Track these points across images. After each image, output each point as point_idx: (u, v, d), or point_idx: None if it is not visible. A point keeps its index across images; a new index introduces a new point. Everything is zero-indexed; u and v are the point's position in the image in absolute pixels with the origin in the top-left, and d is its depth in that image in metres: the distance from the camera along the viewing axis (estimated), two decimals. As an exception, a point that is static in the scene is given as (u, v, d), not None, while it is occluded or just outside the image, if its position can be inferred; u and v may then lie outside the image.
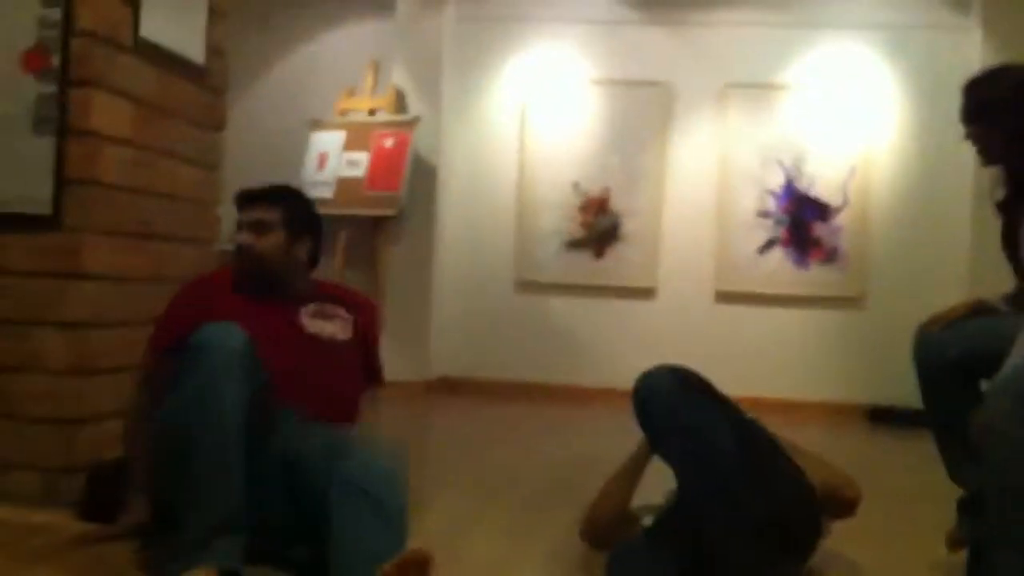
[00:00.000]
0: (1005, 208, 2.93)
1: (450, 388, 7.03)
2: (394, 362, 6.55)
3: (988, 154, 2.92)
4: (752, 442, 2.53)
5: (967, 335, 2.88)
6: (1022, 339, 2.54)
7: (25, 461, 3.19)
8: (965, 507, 2.92)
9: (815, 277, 6.86)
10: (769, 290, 6.89)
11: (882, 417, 6.55)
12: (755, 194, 6.94)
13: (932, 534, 3.11)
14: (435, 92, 7.00)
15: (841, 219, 6.86)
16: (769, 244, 6.92)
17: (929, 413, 2.96)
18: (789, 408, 6.63)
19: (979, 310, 2.97)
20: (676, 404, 2.54)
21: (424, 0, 7.01)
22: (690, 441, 2.49)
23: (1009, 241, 2.92)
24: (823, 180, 6.86)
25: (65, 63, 3.20)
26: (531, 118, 7.18)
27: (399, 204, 6.51)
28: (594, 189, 7.07)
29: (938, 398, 2.92)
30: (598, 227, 7.08)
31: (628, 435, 2.79)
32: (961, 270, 6.45)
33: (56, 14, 3.21)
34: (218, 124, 3.97)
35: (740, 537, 2.37)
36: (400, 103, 6.93)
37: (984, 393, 2.62)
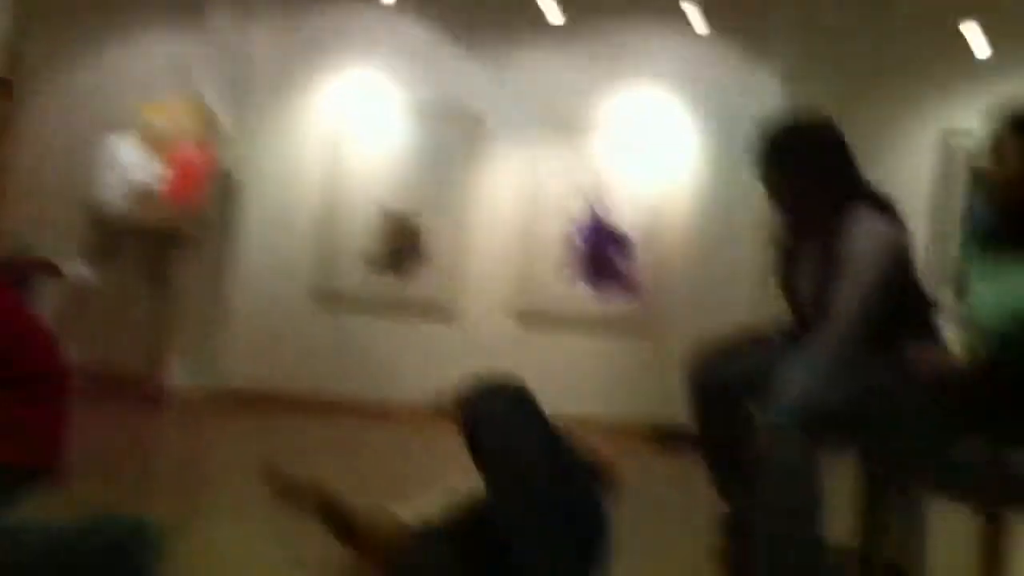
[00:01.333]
0: (787, 252, 3.07)
1: (242, 401, 6.85)
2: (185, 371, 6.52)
3: (778, 200, 3.02)
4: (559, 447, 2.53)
5: (738, 360, 3.02)
6: (789, 368, 2.70)
7: None
8: (727, 525, 3.05)
9: (613, 307, 7.10)
10: (568, 315, 7.08)
11: (664, 437, 6.72)
12: (558, 224, 7.13)
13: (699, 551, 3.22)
14: (244, 105, 6.90)
15: (639, 253, 7.12)
16: (571, 271, 7.12)
17: (700, 433, 3.09)
18: (579, 425, 6.75)
19: (753, 338, 3.12)
20: (511, 427, 2.48)
21: (235, 11, 6.90)
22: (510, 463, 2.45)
23: (787, 283, 3.07)
24: (624, 215, 7.11)
25: None
26: (343, 138, 7.14)
27: (200, 217, 6.37)
28: (400, 209, 7.09)
29: (709, 420, 3.04)
30: (399, 246, 7.10)
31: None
32: (742, 303, 6.75)
33: None
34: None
35: (549, 548, 2.38)
36: (206, 115, 6.78)
37: (760, 418, 2.76)
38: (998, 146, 2.83)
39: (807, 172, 2.94)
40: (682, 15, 7.08)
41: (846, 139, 3.00)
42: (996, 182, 2.85)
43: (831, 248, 2.85)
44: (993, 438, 2.70)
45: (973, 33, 6.92)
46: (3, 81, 5.49)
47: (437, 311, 7.15)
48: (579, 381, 7.04)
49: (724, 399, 2.99)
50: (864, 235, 2.81)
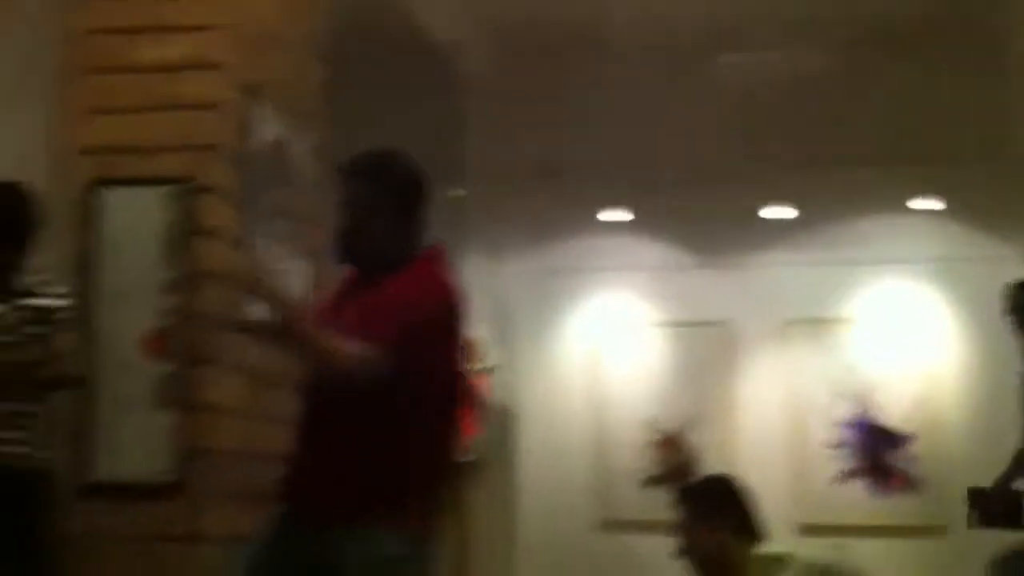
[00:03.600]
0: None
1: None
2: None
3: None
4: None
5: None
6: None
7: None
8: None
9: (895, 506, 6.86)
10: (850, 521, 6.87)
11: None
12: (825, 426, 7.04)
13: None
14: (508, 340, 7.31)
15: (914, 447, 6.92)
16: (846, 475, 6.97)
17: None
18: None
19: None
20: None
21: (489, 255, 7.41)
22: None
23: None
24: (892, 409, 6.96)
25: (185, 344, 3.53)
26: (601, 361, 7.43)
27: (480, 449, 6.69)
28: (666, 427, 7.23)
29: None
30: (673, 463, 7.18)
31: None
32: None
33: (176, 300, 3.56)
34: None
35: None
36: (477, 352, 7.23)
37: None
38: None
39: None
40: (917, 194, 7.10)
41: None
42: None
43: None
44: None
45: None
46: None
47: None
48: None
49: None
50: None
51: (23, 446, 3.15)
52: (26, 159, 3.67)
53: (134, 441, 3.50)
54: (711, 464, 7.11)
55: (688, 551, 2.73)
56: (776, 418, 7.15)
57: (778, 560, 2.73)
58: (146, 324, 3.56)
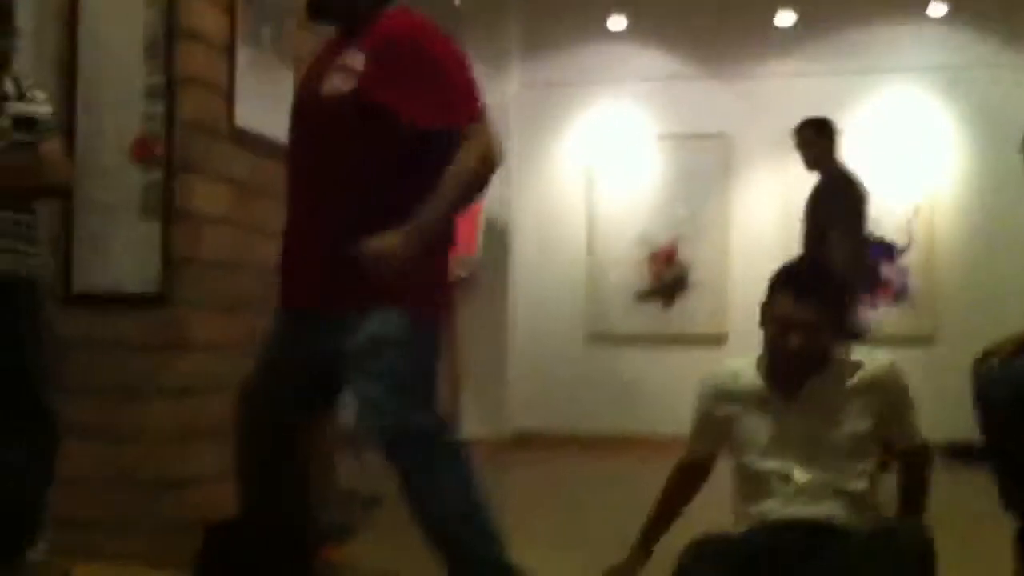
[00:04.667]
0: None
1: (526, 443, 7.17)
2: (470, 418, 6.83)
3: None
4: None
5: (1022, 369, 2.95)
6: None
7: (136, 523, 3.42)
8: (1021, 541, 2.98)
9: (884, 317, 6.93)
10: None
11: (961, 453, 6.54)
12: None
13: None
14: (504, 154, 7.22)
15: (907, 258, 6.94)
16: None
17: (986, 443, 3.04)
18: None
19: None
20: None
21: (487, 68, 7.26)
22: None
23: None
24: (887, 221, 6.95)
25: (169, 152, 3.47)
26: (597, 175, 7.39)
27: (474, 265, 6.72)
28: (661, 241, 7.24)
29: (993, 430, 2.99)
30: (666, 278, 7.23)
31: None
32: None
33: (159, 107, 3.48)
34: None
35: None
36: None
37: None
38: None
39: None
40: (916, 1, 6.91)
41: None
42: None
43: None
44: None
45: None
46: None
47: (709, 339, 7.19)
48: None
49: (1013, 412, 2.94)
50: None
51: (14, 253, 3.12)
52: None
53: (118, 251, 3.49)
54: (704, 279, 7.17)
55: (803, 350, 2.48)
56: (771, 230, 7.14)
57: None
58: (130, 131, 3.49)
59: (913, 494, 2.68)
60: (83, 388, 3.43)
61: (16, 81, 3.17)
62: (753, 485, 2.59)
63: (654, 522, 2.78)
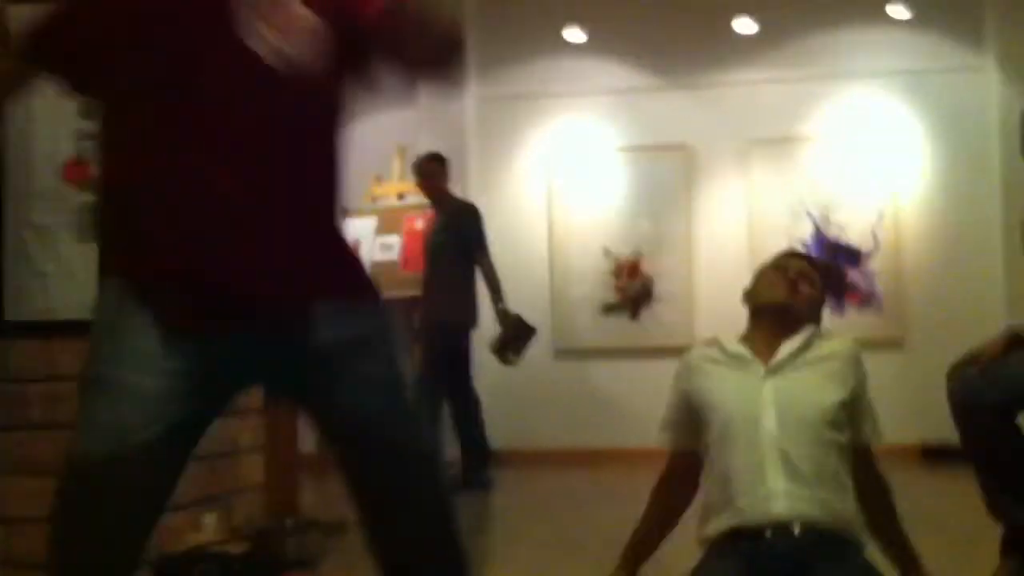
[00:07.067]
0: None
1: (498, 461, 7.03)
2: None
3: None
4: None
5: (1005, 375, 2.86)
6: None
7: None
8: (1007, 544, 2.91)
9: (853, 322, 6.86)
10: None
11: (935, 455, 6.48)
12: (786, 245, 6.97)
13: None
14: (462, 171, 7.13)
15: (874, 263, 6.88)
16: (803, 293, 6.95)
17: (967, 450, 2.96)
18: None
19: (1014, 343, 2.95)
20: None
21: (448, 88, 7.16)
22: None
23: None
24: (853, 226, 6.90)
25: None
26: (558, 189, 7.30)
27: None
28: (625, 253, 7.16)
29: (977, 437, 2.92)
30: (631, 290, 7.15)
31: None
32: (997, 303, 6.43)
33: (93, 126, 3.35)
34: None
35: None
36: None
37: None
38: None
39: None
40: (879, 5, 6.87)
41: None
42: None
43: None
44: None
45: None
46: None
47: (675, 350, 7.08)
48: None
49: (992, 416, 2.86)
50: None
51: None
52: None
53: (59, 275, 3.35)
54: (669, 290, 7.09)
55: (811, 299, 2.75)
56: (736, 240, 7.09)
57: None
58: (64, 152, 3.37)
59: (878, 495, 2.57)
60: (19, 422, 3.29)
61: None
62: (723, 445, 2.42)
63: (641, 538, 2.64)
